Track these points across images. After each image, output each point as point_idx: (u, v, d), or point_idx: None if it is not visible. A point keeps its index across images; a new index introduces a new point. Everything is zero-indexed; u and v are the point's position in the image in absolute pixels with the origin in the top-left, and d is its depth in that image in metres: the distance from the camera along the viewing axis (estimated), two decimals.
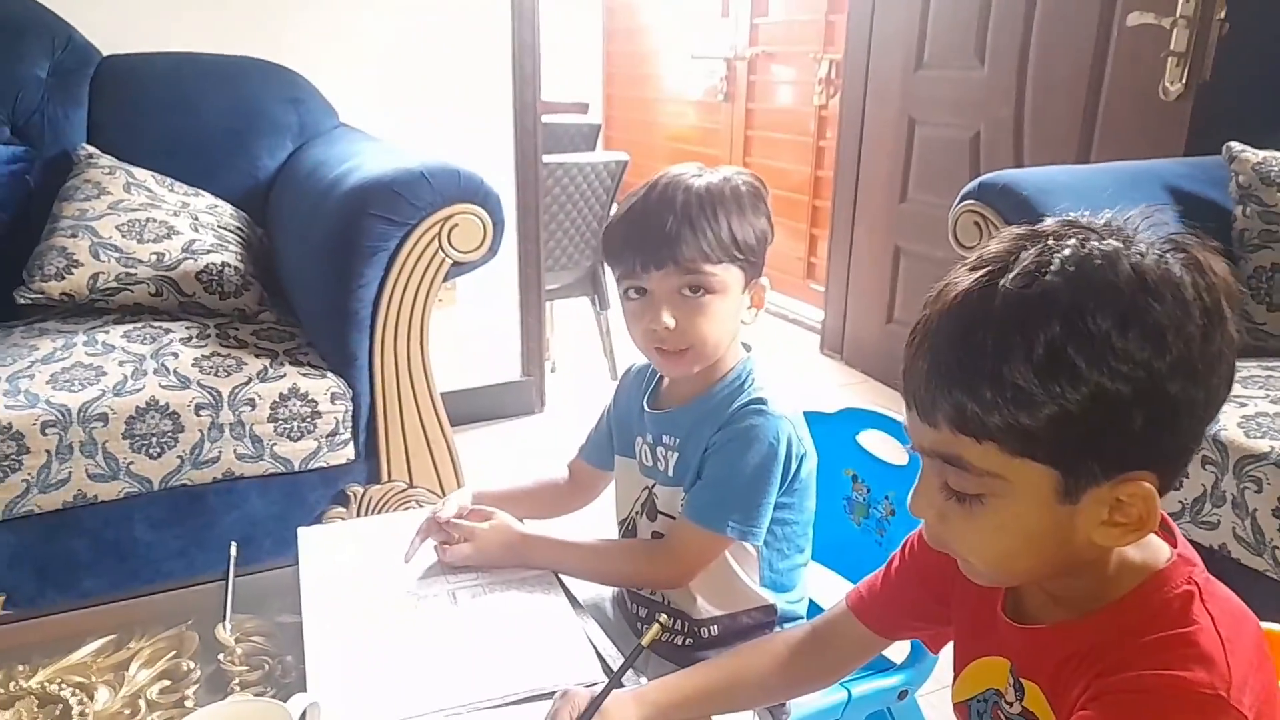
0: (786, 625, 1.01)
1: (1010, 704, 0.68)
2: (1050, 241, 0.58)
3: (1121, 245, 0.56)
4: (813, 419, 1.05)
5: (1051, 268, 0.56)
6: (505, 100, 2.51)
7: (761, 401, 0.94)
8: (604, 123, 4.25)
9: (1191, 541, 0.65)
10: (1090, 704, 0.59)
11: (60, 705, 0.79)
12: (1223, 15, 1.90)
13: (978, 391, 0.56)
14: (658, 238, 0.91)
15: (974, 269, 0.59)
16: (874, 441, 1.15)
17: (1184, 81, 1.98)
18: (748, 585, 0.99)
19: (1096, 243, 0.57)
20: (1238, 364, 0.59)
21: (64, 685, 0.81)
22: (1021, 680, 0.67)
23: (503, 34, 2.46)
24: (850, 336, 3.21)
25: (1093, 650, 0.61)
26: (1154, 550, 0.63)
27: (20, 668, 0.83)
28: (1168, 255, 0.57)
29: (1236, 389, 1.40)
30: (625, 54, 5.20)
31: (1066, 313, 0.54)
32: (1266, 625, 0.68)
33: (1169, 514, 1.39)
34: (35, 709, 0.79)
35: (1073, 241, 0.57)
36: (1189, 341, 0.55)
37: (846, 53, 3.06)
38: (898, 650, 1.03)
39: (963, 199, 1.66)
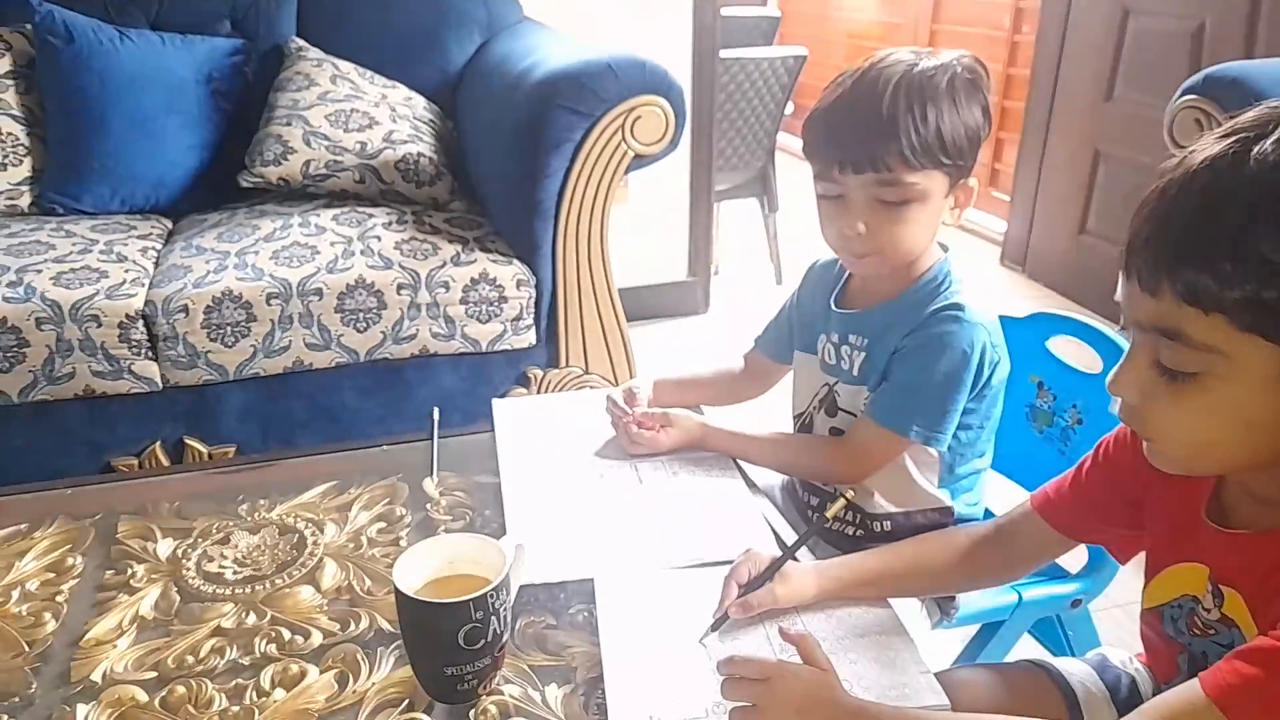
0: None
1: (1208, 610, 0.66)
2: None
3: None
4: (1001, 323, 1.02)
5: None
6: None
7: (958, 307, 0.91)
8: (780, 17, 4.09)
9: None
10: None
11: (296, 535, 0.90)
12: None
13: (1217, 262, 0.53)
14: (859, 139, 0.86)
15: (1224, 136, 0.56)
16: (1065, 348, 1.10)
17: None
18: (926, 486, 0.99)
19: None
20: None
21: (299, 519, 0.93)
22: (1221, 587, 0.65)
23: None
24: (1035, 248, 3.04)
25: None
26: None
27: (262, 501, 0.95)
28: None
29: None
30: None
31: None
32: None
33: None
34: (277, 536, 0.90)
35: None
36: None
37: None
38: (1074, 560, 1.01)
39: (1184, 93, 1.52)
